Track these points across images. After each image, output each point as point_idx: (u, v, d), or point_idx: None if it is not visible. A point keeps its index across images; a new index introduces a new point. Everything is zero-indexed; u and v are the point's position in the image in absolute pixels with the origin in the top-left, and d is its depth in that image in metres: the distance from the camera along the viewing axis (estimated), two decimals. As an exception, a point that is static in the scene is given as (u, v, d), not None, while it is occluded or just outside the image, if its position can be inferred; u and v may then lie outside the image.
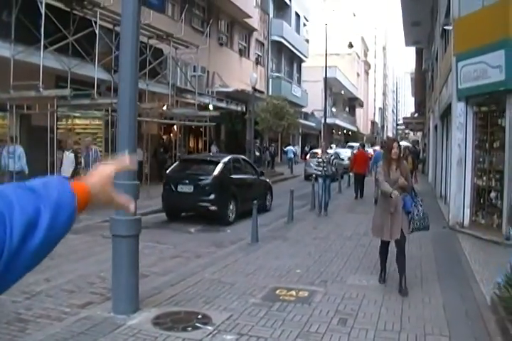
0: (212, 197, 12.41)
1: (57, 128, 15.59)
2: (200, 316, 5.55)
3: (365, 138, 78.08)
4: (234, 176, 13.53)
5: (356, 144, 40.30)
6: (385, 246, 7.35)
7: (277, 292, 6.55)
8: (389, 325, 5.48)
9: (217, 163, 13.29)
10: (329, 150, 31.12)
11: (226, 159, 13.85)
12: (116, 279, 5.60)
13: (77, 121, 18.27)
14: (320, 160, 14.46)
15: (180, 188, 12.69)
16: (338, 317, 5.66)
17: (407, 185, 6.96)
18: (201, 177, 12.81)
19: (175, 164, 14.47)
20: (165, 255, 9.07)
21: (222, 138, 29.72)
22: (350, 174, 21.87)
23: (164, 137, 23.70)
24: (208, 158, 14.52)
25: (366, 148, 33.57)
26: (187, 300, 6.12)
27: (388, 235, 6.92)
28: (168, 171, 13.80)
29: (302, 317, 5.60)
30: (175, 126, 23.23)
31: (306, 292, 6.58)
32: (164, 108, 19.30)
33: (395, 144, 7.07)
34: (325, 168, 14.12)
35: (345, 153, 30.74)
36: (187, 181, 12.73)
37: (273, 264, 8.06)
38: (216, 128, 27.21)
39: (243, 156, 16.87)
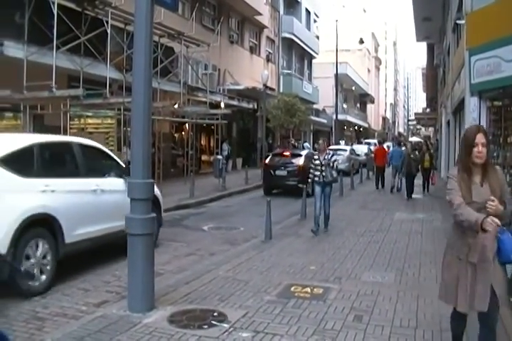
0: (299, 178, 17.41)
1: (69, 128, 15.68)
2: (215, 314, 5.55)
3: (376, 134, 77.91)
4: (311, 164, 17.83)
5: (373, 141, 44.96)
6: (459, 317, 4.28)
7: (292, 289, 6.53)
8: (405, 321, 5.45)
9: (301, 155, 19.19)
10: (341, 147, 31.76)
11: (305, 153, 19.90)
12: (132, 278, 5.61)
13: (90, 121, 18.33)
14: (317, 162, 11.03)
15: (278, 172, 18.52)
16: (354, 313, 5.64)
17: (503, 212, 3.81)
18: (291, 165, 18.53)
19: (269, 157, 20.00)
20: (179, 253, 9.07)
21: (233, 135, 29.73)
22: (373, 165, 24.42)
23: (176, 135, 23.72)
24: (294, 152, 20.32)
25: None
26: (202, 297, 6.13)
27: (465, 303, 3.99)
28: (266, 161, 19.62)
29: (318, 314, 5.59)
30: (186, 125, 23.28)
31: (320, 289, 6.55)
32: (176, 106, 19.34)
33: (480, 137, 3.94)
34: (323, 173, 10.88)
35: (363, 149, 33.81)
36: (282, 168, 18.48)
37: (287, 261, 8.05)
38: (228, 126, 27.25)
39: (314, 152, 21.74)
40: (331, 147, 32.00)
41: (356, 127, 69.09)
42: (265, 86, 25.57)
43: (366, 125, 73.44)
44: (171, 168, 21.79)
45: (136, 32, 5.69)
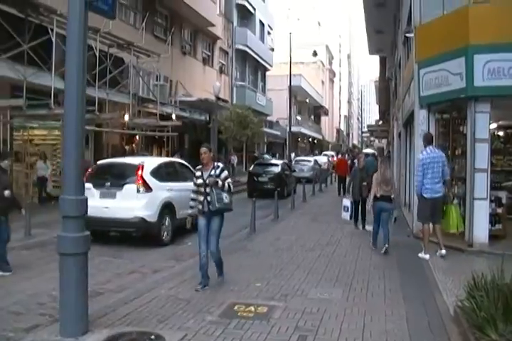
0: (277, 183, 21.87)
1: (13, 140, 15.16)
2: (152, 336, 5.29)
3: (330, 146, 78.60)
4: (285, 172, 23.83)
5: (330, 153, 53.62)
6: None
7: (235, 308, 6.31)
8: (350, 341, 5.30)
9: (278, 165, 24.09)
10: (306, 158, 34.81)
11: (281, 162, 25.19)
12: (64, 300, 5.30)
13: (36, 132, 17.78)
14: (199, 181, 7.38)
15: (260, 179, 22.82)
16: (298, 334, 5.45)
17: None
18: (271, 173, 22.93)
19: (253, 166, 25.00)
20: (121, 270, 8.75)
21: (186, 147, 29.42)
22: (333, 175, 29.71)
23: (126, 147, 23.30)
24: (273, 162, 25.58)
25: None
26: (141, 319, 5.85)
27: None
28: (250, 169, 24.55)
29: (260, 336, 5.38)
30: (137, 136, 22.89)
31: (265, 307, 6.35)
32: (126, 118, 18.98)
33: None
34: (208, 198, 7.23)
35: (323, 160, 39.88)
36: (264, 175, 22.85)
37: (232, 278, 7.83)
38: (180, 138, 26.97)
39: (286, 161, 29.48)
40: (297, 158, 37.76)
41: (310, 139, 69.56)
42: (217, 98, 25.41)
43: (320, 137, 73.98)
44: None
45: (69, 38, 5.42)
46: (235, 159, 32.32)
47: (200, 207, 7.34)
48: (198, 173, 7.47)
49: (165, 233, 11.35)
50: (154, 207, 11.05)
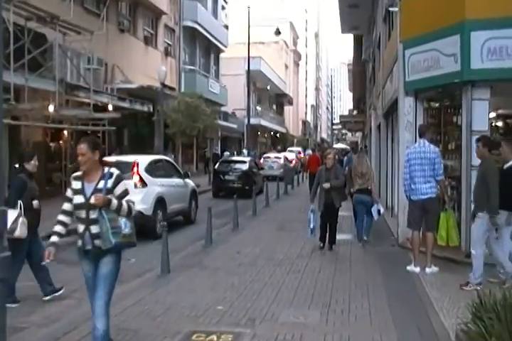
0: (245, 181, 24.81)
1: None
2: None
3: (295, 140, 79.04)
4: (253, 170, 26.75)
5: (297, 149, 57.87)
6: None
7: (194, 337, 6.17)
8: (333, 375, 5.21)
9: (246, 162, 27.06)
10: (276, 154, 35.73)
11: (249, 160, 28.42)
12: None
13: None
14: (78, 199, 5.44)
15: (227, 177, 25.36)
16: (270, 368, 5.35)
17: None
18: (238, 171, 25.69)
19: (218, 163, 27.40)
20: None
21: (125, 144, 29.08)
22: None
23: (52, 145, 22.83)
24: (239, 159, 28.49)
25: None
26: (76, 357, 5.64)
27: None
28: (216, 167, 26.85)
29: (225, 371, 5.25)
30: (65, 132, 22.45)
31: (229, 335, 6.23)
32: (50, 109, 18.54)
33: None
34: (94, 230, 5.45)
35: (292, 156, 43.54)
36: (230, 173, 25.45)
37: (188, 301, 7.68)
38: (118, 133, 26.63)
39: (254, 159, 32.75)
40: (267, 154, 41.14)
41: (272, 133, 69.81)
42: (163, 84, 25.19)
43: (284, 130, 74.36)
44: (46, 185, 20.87)
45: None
46: (171, 156, 32.27)
47: (80, 243, 5.52)
48: (77, 185, 5.47)
49: (158, 226, 13.04)
50: (150, 201, 13.79)
